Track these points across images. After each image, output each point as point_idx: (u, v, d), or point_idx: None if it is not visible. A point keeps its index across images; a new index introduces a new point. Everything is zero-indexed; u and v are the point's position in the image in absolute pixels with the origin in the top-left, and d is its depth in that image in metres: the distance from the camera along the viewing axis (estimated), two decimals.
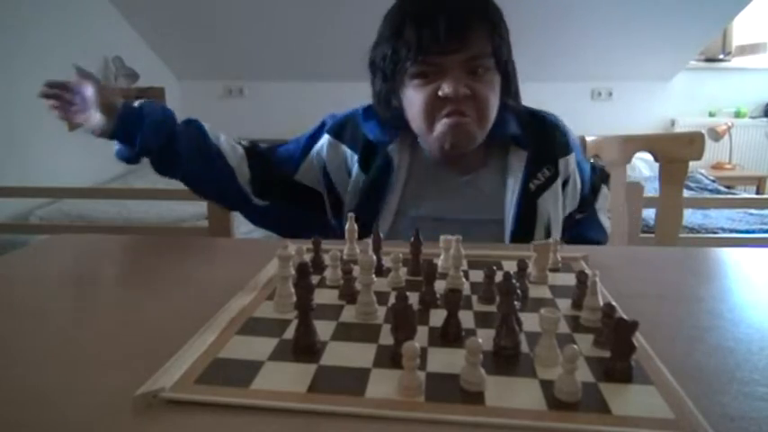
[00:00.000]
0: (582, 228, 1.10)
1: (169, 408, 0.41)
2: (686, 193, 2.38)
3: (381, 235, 0.76)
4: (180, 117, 0.97)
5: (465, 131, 0.92)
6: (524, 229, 0.95)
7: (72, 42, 2.98)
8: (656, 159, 1.25)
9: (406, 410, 0.40)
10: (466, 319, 0.54)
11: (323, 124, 1.05)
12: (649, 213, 2.01)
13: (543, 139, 0.99)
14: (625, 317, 0.44)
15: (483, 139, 0.95)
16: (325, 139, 1.03)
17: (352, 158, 1.00)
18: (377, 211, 0.96)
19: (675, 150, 1.24)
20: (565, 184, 1.01)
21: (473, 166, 0.99)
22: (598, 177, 1.14)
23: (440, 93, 0.88)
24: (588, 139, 1.19)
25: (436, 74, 0.89)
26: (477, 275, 0.67)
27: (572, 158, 1.02)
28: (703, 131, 1.33)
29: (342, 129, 1.03)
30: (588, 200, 1.10)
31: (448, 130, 0.91)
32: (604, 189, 1.15)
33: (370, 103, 1.01)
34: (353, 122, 1.03)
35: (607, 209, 1.15)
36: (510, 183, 0.97)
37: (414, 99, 0.92)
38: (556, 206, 0.98)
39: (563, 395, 0.41)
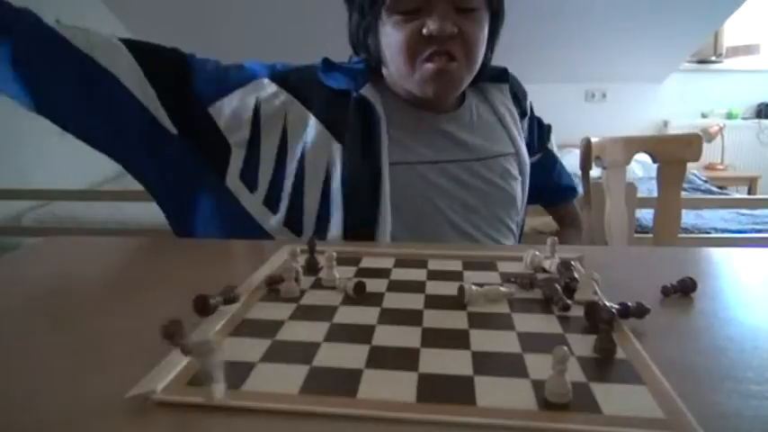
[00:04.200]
0: (555, 177, 1.11)
1: (161, 410, 0.40)
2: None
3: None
4: None
5: (451, 78, 0.82)
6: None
7: None
8: (655, 161, 1.26)
9: (397, 411, 0.39)
10: (459, 319, 0.55)
11: (272, 66, 0.94)
12: (643, 214, 2.02)
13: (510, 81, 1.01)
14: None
15: (469, 82, 0.89)
16: (266, 82, 0.89)
17: (303, 117, 0.87)
18: (373, 163, 0.84)
19: (675, 152, 1.25)
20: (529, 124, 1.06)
21: (451, 103, 0.94)
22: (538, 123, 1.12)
23: (424, 31, 0.78)
24: (593, 140, 1.19)
25: (419, 9, 0.79)
26: (473, 277, 0.67)
27: (529, 102, 1.05)
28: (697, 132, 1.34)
29: (286, 78, 0.90)
30: (542, 139, 1.10)
31: (433, 77, 0.81)
32: (552, 137, 1.13)
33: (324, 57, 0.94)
34: (308, 74, 0.91)
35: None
36: (505, 114, 0.96)
37: (393, 38, 0.81)
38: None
39: (553, 396, 0.40)
